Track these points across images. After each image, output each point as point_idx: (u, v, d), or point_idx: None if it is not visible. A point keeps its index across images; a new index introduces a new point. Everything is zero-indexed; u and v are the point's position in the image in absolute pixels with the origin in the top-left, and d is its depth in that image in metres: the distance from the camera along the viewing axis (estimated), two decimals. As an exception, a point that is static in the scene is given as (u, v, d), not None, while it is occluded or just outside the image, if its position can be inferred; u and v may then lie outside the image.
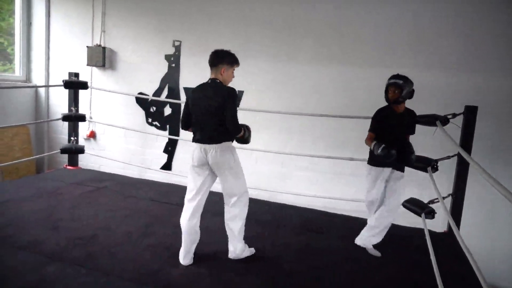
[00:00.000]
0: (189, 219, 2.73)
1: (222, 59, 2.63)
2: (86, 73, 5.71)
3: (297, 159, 4.78)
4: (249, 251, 2.91)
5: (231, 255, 2.85)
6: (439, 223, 3.65)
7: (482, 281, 1.81)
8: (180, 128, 2.83)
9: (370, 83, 4.48)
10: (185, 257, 2.78)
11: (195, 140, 2.73)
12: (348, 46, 4.61)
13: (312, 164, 4.79)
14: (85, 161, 5.85)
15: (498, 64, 4.14)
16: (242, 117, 2.84)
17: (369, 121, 3.16)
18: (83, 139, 5.84)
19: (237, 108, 2.71)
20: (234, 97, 2.60)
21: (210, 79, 2.68)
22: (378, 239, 3.21)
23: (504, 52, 4.11)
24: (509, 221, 4.21)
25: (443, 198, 3.00)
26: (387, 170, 3.15)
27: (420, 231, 3.16)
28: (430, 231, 3.05)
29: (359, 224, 3.48)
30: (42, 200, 3.86)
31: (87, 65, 5.63)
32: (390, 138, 3.03)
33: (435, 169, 3.30)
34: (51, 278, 2.49)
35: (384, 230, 3.19)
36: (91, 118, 5.83)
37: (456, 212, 3.57)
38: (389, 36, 4.43)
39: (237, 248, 2.82)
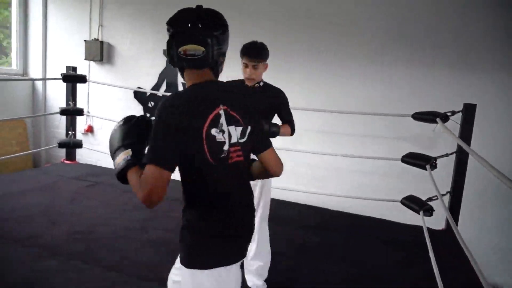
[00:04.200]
0: None
1: None
2: (83, 67, 5.67)
3: (304, 155, 4.74)
4: None
5: None
6: (438, 220, 3.67)
7: (481, 277, 1.82)
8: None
9: (367, 77, 4.49)
10: None
11: None
12: (344, 36, 4.60)
13: (319, 161, 4.77)
14: (83, 155, 5.82)
15: (495, 63, 4.16)
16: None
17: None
18: (80, 133, 5.81)
19: None
20: None
21: None
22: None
23: (501, 50, 4.12)
24: (507, 216, 4.25)
25: (442, 195, 3.02)
26: None
27: (419, 229, 3.17)
28: (428, 229, 3.07)
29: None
30: (40, 194, 3.84)
31: (85, 59, 5.58)
32: None
33: (434, 166, 3.31)
34: (51, 272, 2.48)
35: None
36: (88, 112, 5.79)
37: (454, 209, 3.59)
38: (388, 31, 4.43)
39: None
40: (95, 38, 5.58)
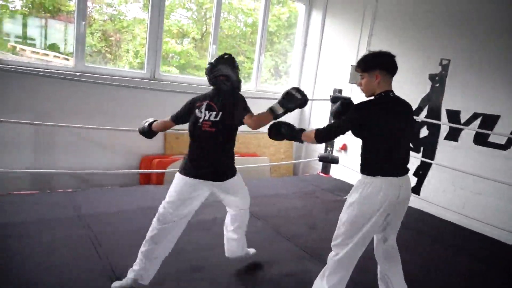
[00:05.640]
0: None
1: None
2: (346, 90, 6.13)
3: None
4: None
5: None
6: None
7: None
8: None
9: None
10: None
11: None
12: None
13: None
14: (334, 170, 6.27)
15: None
16: None
17: None
18: (335, 150, 6.28)
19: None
20: None
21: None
22: None
23: None
24: None
25: None
26: None
27: None
28: None
29: None
30: (301, 199, 4.39)
31: (349, 82, 6.01)
32: None
33: None
34: (311, 272, 2.76)
35: None
36: (345, 131, 6.19)
37: None
38: None
39: None
40: (361, 63, 5.93)
